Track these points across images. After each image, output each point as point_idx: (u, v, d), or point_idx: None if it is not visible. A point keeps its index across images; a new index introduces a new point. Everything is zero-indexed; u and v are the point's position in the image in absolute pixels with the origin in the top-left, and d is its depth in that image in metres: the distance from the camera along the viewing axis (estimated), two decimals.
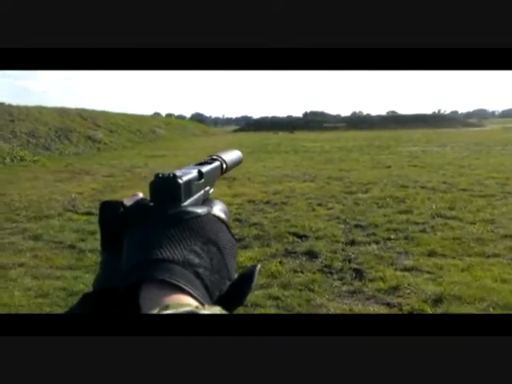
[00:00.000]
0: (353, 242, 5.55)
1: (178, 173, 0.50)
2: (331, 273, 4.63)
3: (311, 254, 5.15)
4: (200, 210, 0.48)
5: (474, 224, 6.05)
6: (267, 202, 7.98)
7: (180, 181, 0.48)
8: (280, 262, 4.91)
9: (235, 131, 54.95)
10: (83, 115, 18.73)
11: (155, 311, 0.39)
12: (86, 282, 4.35)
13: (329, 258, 5.00)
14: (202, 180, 0.56)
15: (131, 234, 0.47)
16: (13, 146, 11.92)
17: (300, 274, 4.58)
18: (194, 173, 0.54)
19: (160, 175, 0.49)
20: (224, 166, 0.68)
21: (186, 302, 0.40)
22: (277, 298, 4.02)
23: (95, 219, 6.37)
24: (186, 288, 0.41)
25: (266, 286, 4.28)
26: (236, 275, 0.50)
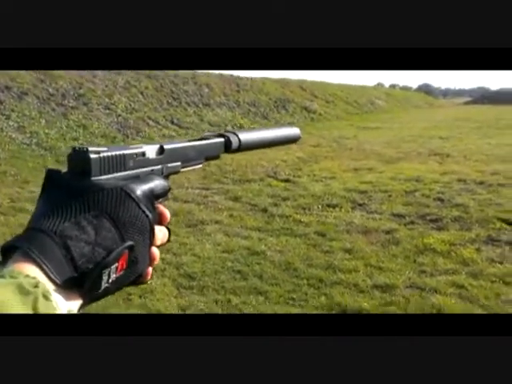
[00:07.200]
0: None
1: (96, 148, 0.51)
2: None
3: None
4: (107, 184, 0.49)
5: None
6: (481, 183, 7.13)
7: (91, 155, 0.49)
8: (477, 249, 4.35)
9: (466, 103, 50.15)
10: (303, 86, 19.40)
11: None
12: (268, 244, 4.55)
13: None
14: (161, 156, 0.58)
15: (38, 201, 0.50)
16: (235, 114, 13.10)
17: (498, 264, 4.00)
18: (137, 149, 0.55)
19: (76, 148, 0.50)
20: (235, 143, 0.69)
21: (20, 270, 0.42)
22: (461, 287, 3.59)
23: (291, 186, 6.59)
24: (35, 257, 0.43)
25: (452, 273, 3.85)
26: (141, 251, 0.50)
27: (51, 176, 0.50)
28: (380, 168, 8.34)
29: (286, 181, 7.11)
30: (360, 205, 5.92)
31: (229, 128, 12.38)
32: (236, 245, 4.51)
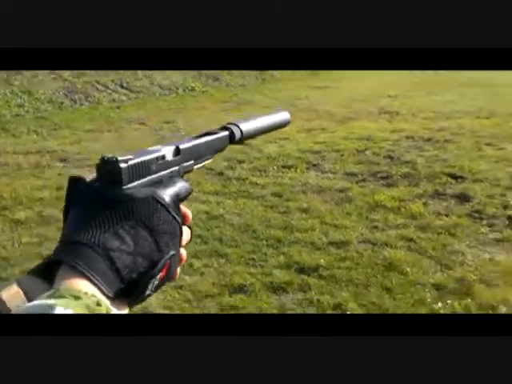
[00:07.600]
0: None
1: (123, 157, 0.51)
2: (481, 218, 4.20)
3: (463, 197, 4.71)
4: (138, 193, 0.50)
5: None
6: (428, 140, 7.40)
7: (122, 165, 0.50)
8: (424, 204, 4.60)
9: None
10: None
11: (44, 297, 0.41)
12: (226, 207, 4.63)
13: (482, 203, 4.53)
14: (178, 156, 0.59)
15: (69, 213, 0.50)
16: (186, 77, 12.88)
17: (444, 217, 4.25)
18: (157, 153, 0.56)
19: (105, 158, 0.50)
20: (238, 135, 0.73)
21: (76, 288, 0.42)
22: (410, 240, 3.82)
23: (246, 149, 6.60)
24: (85, 272, 0.43)
25: (401, 227, 4.07)
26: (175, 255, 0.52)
27: (78, 185, 0.50)
28: (332, 128, 8.48)
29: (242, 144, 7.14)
30: (314, 165, 6.06)
31: (180, 91, 12.16)
32: (195, 209, 4.55)
